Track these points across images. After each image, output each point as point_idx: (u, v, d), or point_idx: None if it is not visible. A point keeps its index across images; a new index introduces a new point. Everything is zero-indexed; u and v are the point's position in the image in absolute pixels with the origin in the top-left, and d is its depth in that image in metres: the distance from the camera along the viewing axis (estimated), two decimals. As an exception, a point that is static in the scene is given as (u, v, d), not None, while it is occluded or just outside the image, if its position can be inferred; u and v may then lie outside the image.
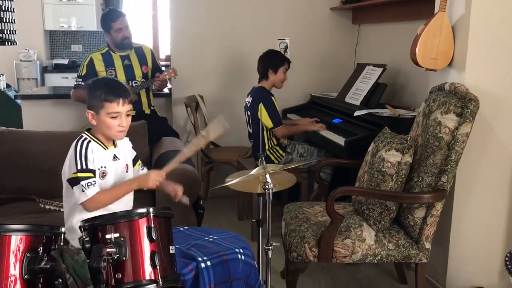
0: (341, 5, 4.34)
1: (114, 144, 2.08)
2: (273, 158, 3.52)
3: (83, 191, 1.92)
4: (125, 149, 2.15)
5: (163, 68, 3.90)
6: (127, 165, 2.13)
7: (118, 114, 1.97)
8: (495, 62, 2.49)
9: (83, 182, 1.92)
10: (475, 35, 2.43)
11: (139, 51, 3.72)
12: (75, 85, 3.66)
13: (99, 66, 3.59)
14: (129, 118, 2.04)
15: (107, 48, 3.66)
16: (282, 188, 2.18)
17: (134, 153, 2.20)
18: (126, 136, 2.12)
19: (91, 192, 1.93)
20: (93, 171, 1.96)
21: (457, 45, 2.52)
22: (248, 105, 3.58)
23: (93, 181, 1.94)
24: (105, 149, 2.03)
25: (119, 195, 2.00)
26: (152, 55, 3.79)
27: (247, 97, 3.63)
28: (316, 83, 4.46)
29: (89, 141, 1.98)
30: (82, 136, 2.01)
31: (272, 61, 3.55)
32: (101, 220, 1.64)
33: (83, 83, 3.57)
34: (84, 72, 3.60)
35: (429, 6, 2.78)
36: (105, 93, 1.94)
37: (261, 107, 3.42)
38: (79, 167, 1.93)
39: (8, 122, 3.67)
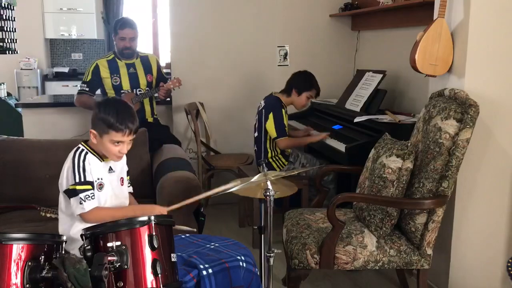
0: (340, 12, 4.36)
1: None
2: (275, 166, 3.52)
3: (80, 203, 1.91)
4: (121, 162, 2.14)
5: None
6: (122, 178, 2.13)
7: (121, 143, 1.96)
8: (495, 68, 2.49)
9: (81, 195, 1.91)
10: (474, 41, 2.44)
11: (145, 60, 3.74)
12: (79, 90, 3.67)
13: (104, 73, 3.60)
14: (130, 145, 2.01)
15: (113, 55, 3.68)
16: (283, 195, 2.18)
17: (127, 168, 2.20)
18: None
19: (88, 205, 1.92)
20: (91, 183, 1.95)
21: (456, 51, 2.53)
22: (259, 109, 3.56)
23: (91, 194, 1.93)
24: (101, 161, 2.02)
25: (118, 217, 1.86)
26: (158, 65, 3.81)
27: (262, 100, 3.60)
28: (316, 89, 4.47)
29: (86, 153, 1.98)
30: (79, 147, 2.00)
31: (300, 82, 3.48)
32: (103, 228, 1.64)
33: (87, 89, 3.58)
34: (89, 78, 3.61)
35: (428, 13, 2.79)
36: (114, 121, 1.90)
37: (271, 116, 3.42)
38: (77, 180, 1.92)
39: (9, 131, 3.67)
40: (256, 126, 3.59)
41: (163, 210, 2.02)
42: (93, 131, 1.97)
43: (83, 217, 1.94)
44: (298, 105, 3.54)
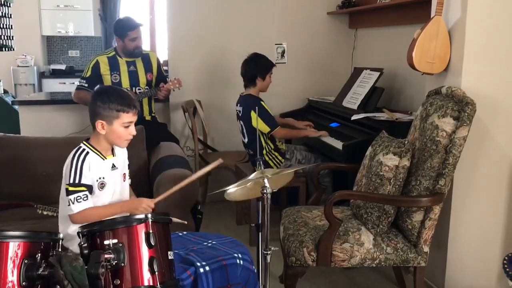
0: (338, 9, 4.35)
1: (113, 153, 2.09)
2: (272, 164, 3.50)
3: (69, 205, 1.93)
4: (123, 158, 2.15)
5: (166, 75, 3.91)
6: (124, 174, 2.14)
7: (131, 124, 2.01)
8: (492, 66, 2.50)
9: (71, 196, 1.93)
10: (472, 39, 2.44)
11: (145, 58, 3.71)
12: (78, 86, 3.65)
13: (104, 70, 3.58)
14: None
15: (114, 52, 3.65)
16: (281, 186, 2.17)
17: (127, 162, 2.21)
18: None
19: (77, 207, 1.93)
20: (86, 186, 1.96)
21: (453, 49, 2.53)
22: (240, 114, 3.54)
23: (83, 196, 1.94)
24: (103, 159, 2.03)
25: (108, 215, 1.91)
26: (158, 63, 3.78)
27: (237, 106, 3.58)
28: (314, 87, 4.47)
29: (87, 153, 1.98)
30: (81, 147, 2.01)
31: (261, 67, 3.47)
32: (100, 226, 1.64)
33: (86, 85, 3.56)
34: (88, 74, 3.59)
35: (426, 11, 2.79)
36: (121, 104, 1.97)
37: (253, 115, 3.39)
38: (71, 181, 1.94)
39: (6, 128, 3.67)
40: (244, 131, 3.54)
41: (150, 203, 2.02)
42: (101, 121, 1.97)
43: (70, 218, 1.96)
44: (265, 88, 3.53)
